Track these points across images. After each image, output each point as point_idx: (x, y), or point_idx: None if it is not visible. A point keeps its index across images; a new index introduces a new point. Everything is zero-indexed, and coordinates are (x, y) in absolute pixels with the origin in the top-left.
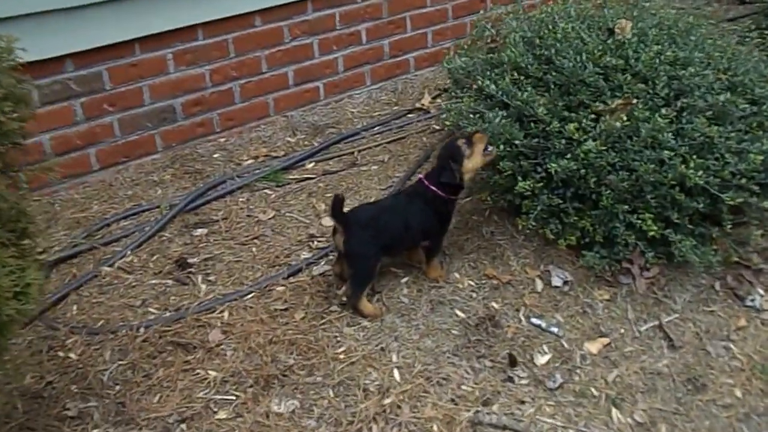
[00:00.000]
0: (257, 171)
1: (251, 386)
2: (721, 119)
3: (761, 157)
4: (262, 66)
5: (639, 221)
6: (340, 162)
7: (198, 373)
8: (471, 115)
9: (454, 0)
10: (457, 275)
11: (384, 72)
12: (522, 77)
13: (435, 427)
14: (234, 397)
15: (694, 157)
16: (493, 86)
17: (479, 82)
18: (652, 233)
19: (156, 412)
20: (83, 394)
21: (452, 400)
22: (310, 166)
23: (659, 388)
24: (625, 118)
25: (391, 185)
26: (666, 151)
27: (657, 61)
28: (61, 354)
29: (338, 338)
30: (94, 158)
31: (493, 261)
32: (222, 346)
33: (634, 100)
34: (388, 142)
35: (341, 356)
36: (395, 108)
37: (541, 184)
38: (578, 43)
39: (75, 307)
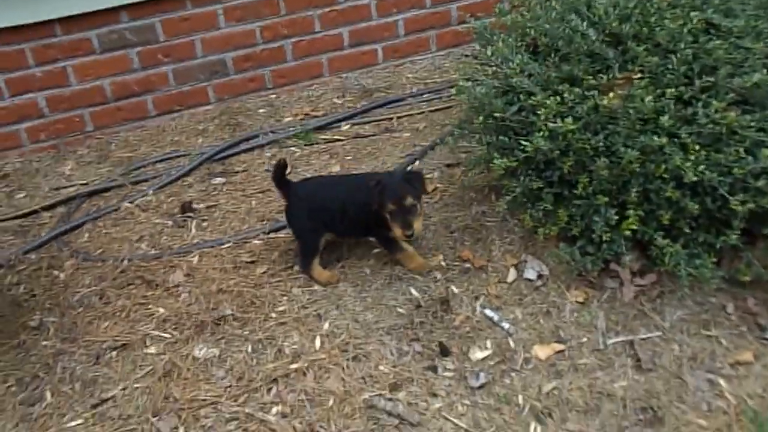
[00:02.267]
0: (291, 129)
1: (187, 329)
2: (758, 105)
3: None
4: (315, 25)
5: (616, 217)
6: (376, 126)
7: (149, 308)
8: (469, 83)
9: None
10: (431, 253)
11: (451, 38)
12: (521, 44)
13: (330, 401)
14: (168, 336)
15: (698, 147)
16: (488, 51)
17: (481, 49)
18: (627, 232)
19: (97, 336)
20: (51, 309)
21: (362, 378)
22: (345, 128)
23: (603, 410)
24: (612, 96)
25: (412, 154)
26: (657, 138)
27: (684, 30)
28: (55, 272)
29: (283, 297)
30: (151, 104)
31: (476, 243)
32: (179, 288)
33: (637, 75)
34: (432, 111)
35: (275, 315)
36: (454, 76)
37: (517, 163)
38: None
39: (87, 235)
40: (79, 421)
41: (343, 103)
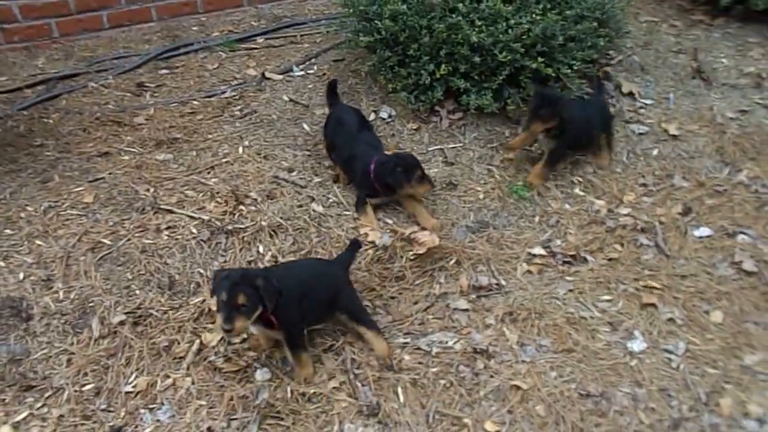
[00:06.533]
0: (219, 40)
1: (150, 146)
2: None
3: (527, 26)
4: None
5: (433, 68)
6: (284, 40)
7: (120, 137)
8: None
9: None
10: (322, 110)
11: None
12: None
13: (249, 176)
14: (136, 150)
15: (480, 23)
16: None
17: None
18: (438, 75)
19: (85, 149)
20: (47, 137)
21: (270, 166)
22: (260, 40)
23: None
24: None
25: (307, 54)
26: (454, 17)
27: None
28: (44, 119)
29: (216, 130)
30: (105, 19)
31: (350, 100)
32: (141, 125)
33: None
34: (327, 32)
35: (210, 137)
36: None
37: (375, 40)
38: None
39: (64, 102)
40: (82, 188)
41: (259, 25)
